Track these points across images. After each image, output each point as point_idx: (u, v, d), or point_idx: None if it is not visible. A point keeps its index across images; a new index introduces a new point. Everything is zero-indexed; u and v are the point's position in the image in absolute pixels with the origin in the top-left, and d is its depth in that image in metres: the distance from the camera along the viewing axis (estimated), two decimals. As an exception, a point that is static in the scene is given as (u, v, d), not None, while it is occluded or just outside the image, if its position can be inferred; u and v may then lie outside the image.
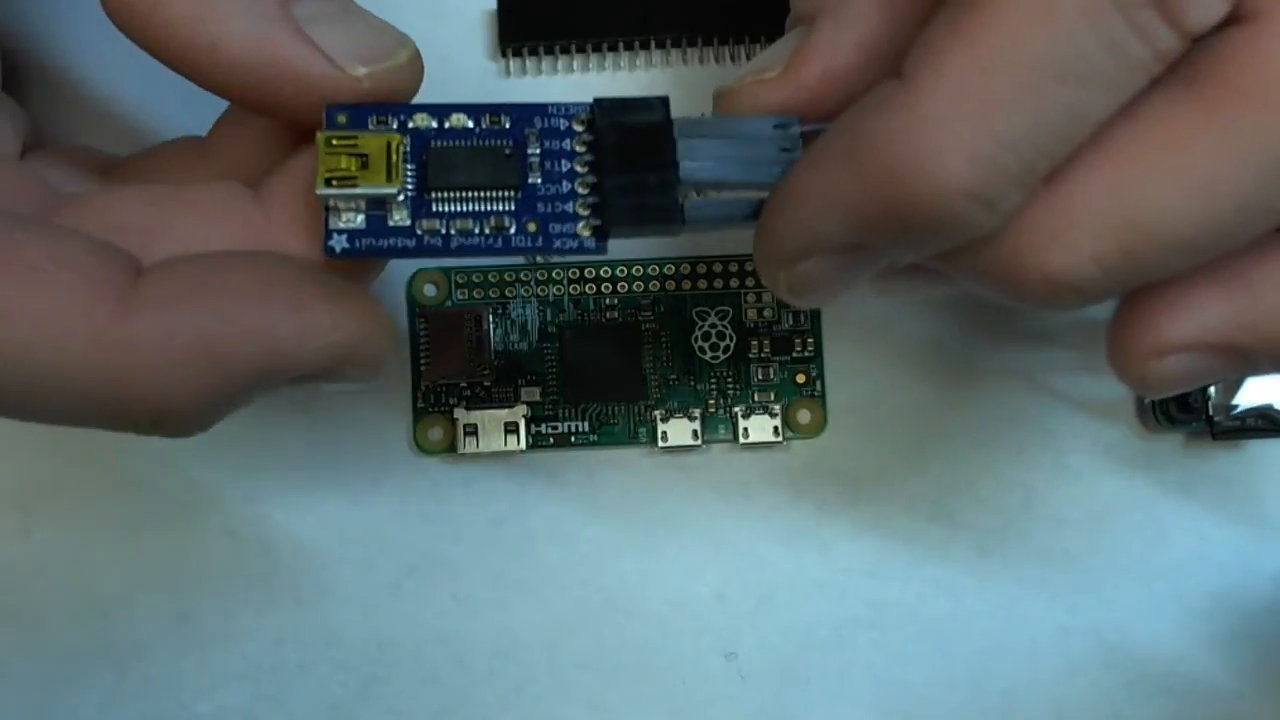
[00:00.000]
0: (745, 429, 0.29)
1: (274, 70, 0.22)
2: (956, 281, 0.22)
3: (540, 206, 0.22)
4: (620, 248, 0.28)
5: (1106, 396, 0.30)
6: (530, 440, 0.29)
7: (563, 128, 0.23)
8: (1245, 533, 0.30)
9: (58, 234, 0.20)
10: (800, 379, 0.30)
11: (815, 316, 0.30)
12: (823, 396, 0.30)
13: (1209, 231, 0.19)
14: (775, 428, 0.29)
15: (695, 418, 0.29)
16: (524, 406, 0.29)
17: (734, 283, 0.30)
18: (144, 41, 0.22)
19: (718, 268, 0.30)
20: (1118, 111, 0.19)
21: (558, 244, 0.22)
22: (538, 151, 0.23)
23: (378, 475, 0.29)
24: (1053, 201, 0.20)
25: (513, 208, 0.22)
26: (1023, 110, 0.18)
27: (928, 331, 0.30)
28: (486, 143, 0.23)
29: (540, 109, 0.23)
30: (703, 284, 0.30)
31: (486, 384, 0.29)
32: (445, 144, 0.22)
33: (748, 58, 0.30)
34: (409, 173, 0.22)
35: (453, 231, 0.22)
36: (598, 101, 0.23)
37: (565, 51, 0.30)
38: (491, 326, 0.29)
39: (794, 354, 0.30)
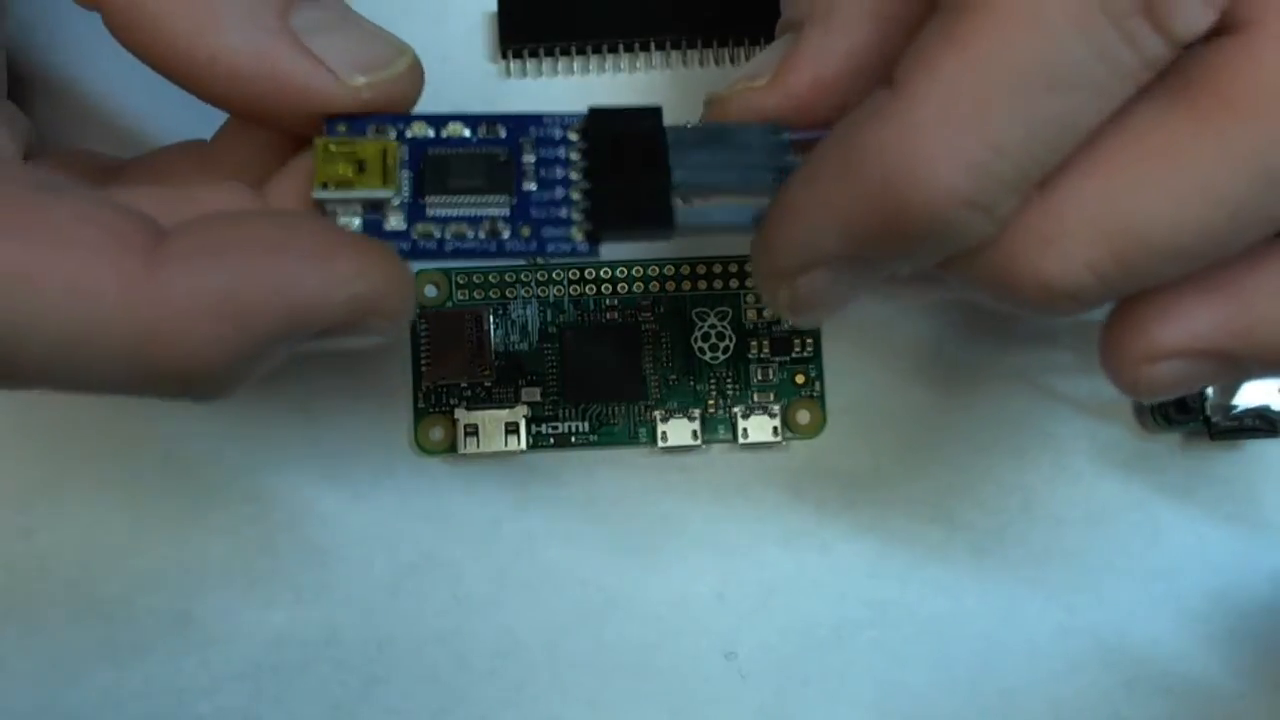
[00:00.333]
0: (745, 429, 0.29)
1: (273, 83, 0.22)
2: (953, 288, 0.22)
3: (534, 212, 0.23)
4: (620, 248, 0.28)
5: (1104, 397, 0.30)
6: (530, 440, 0.29)
7: (558, 136, 0.23)
8: (1243, 533, 0.30)
9: (81, 196, 0.20)
10: (800, 379, 0.30)
11: (815, 317, 0.30)
12: (822, 397, 0.30)
13: (1202, 239, 0.20)
14: (775, 428, 0.29)
15: (695, 418, 0.29)
16: (524, 407, 0.29)
17: (734, 283, 0.30)
18: (144, 55, 0.22)
19: (718, 268, 0.30)
20: (1108, 118, 0.19)
21: (551, 247, 0.23)
22: (533, 159, 0.23)
23: (378, 475, 0.29)
24: (1047, 208, 0.20)
25: (507, 213, 0.23)
26: (1016, 117, 0.19)
27: (927, 332, 0.30)
28: (482, 150, 0.23)
29: (536, 119, 0.23)
30: (703, 284, 0.30)
31: (487, 384, 0.29)
32: (441, 150, 0.23)
33: (746, 59, 0.30)
34: (405, 178, 0.22)
35: (447, 236, 0.22)
36: (593, 110, 0.23)
37: (565, 53, 0.30)
38: (492, 327, 0.29)
39: (793, 354, 0.30)
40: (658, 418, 0.29)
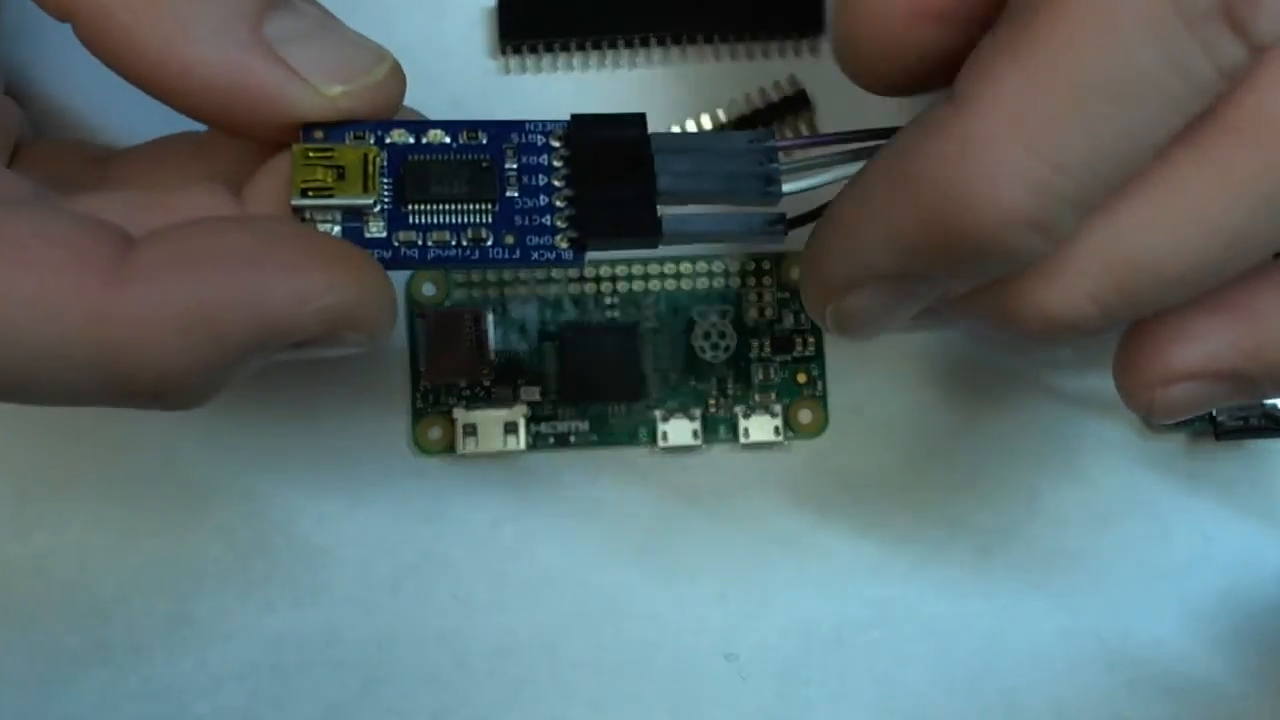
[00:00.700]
0: (746, 429, 0.29)
1: (247, 94, 0.21)
2: (953, 324, 0.22)
3: (517, 219, 0.23)
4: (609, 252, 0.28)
5: (1109, 396, 0.30)
6: (530, 440, 0.29)
7: (540, 143, 0.23)
8: (1248, 533, 0.30)
9: (44, 212, 0.20)
10: (801, 379, 0.30)
11: (816, 316, 0.30)
12: (824, 396, 0.30)
13: (1204, 267, 0.19)
14: (776, 428, 0.29)
15: (695, 418, 0.29)
16: (524, 406, 0.29)
17: (735, 281, 0.30)
18: (116, 67, 0.22)
19: (718, 267, 0.29)
20: (1180, 132, 0.19)
21: (535, 256, 0.23)
22: (515, 166, 0.23)
23: (377, 475, 0.29)
24: None
25: (490, 220, 0.22)
26: (1081, 133, 0.18)
27: (929, 332, 0.30)
28: (464, 156, 0.22)
29: (517, 126, 0.23)
30: (703, 284, 0.30)
31: (486, 384, 0.29)
32: (422, 157, 0.22)
33: (748, 56, 0.30)
34: (385, 185, 0.22)
35: (429, 243, 0.22)
36: (575, 118, 0.23)
37: (565, 49, 0.30)
38: (491, 326, 0.29)
39: (795, 354, 0.30)
40: (658, 418, 0.29)
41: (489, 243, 0.22)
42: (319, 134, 0.22)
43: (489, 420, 0.29)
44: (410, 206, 0.22)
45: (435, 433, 0.29)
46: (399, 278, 0.29)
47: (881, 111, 0.24)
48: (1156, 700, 0.29)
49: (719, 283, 0.30)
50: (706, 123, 0.29)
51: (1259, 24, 0.18)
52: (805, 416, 0.30)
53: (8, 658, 0.29)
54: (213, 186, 0.22)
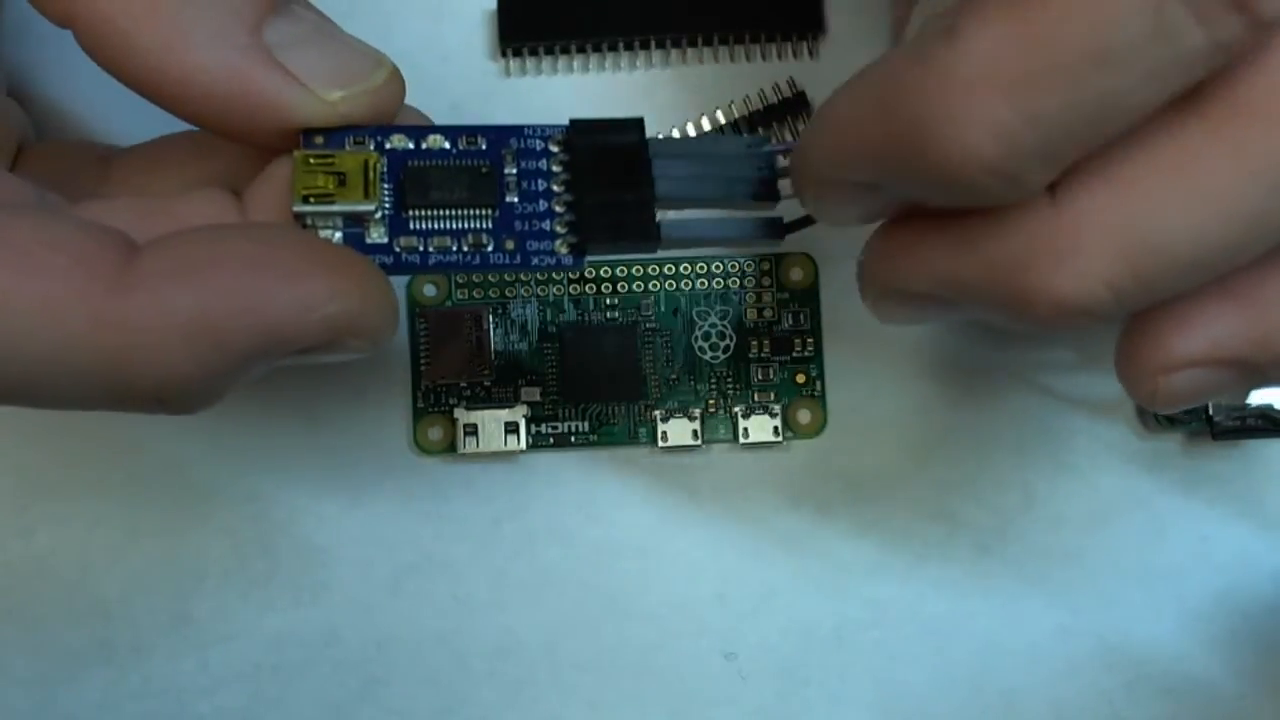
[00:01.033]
0: (745, 429, 0.29)
1: (246, 100, 0.22)
2: (963, 310, 0.22)
3: (518, 224, 0.23)
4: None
5: (1106, 396, 0.30)
6: (530, 440, 0.29)
7: (539, 148, 0.23)
8: (1245, 533, 0.30)
9: (48, 218, 0.20)
10: (800, 379, 0.30)
11: (815, 316, 0.30)
12: (823, 396, 0.30)
13: (1219, 250, 0.19)
14: (775, 428, 0.29)
15: (695, 418, 0.29)
16: (524, 406, 0.29)
17: (734, 283, 0.30)
18: (116, 73, 0.22)
19: (718, 268, 0.30)
20: (1166, 104, 0.19)
21: (535, 261, 0.23)
22: (514, 171, 0.23)
23: (378, 475, 0.29)
24: (1061, 224, 0.20)
25: (490, 225, 0.23)
26: (1058, 91, 0.18)
27: (928, 331, 0.30)
28: (463, 162, 0.23)
29: (516, 130, 0.23)
30: (703, 284, 0.30)
31: (486, 384, 0.29)
32: (422, 163, 0.22)
33: (747, 58, 0.30)
34: (386, 191, 0.22)
35: (430, 249, 0.22)
36: (573, 123, 0.23)
37: (565, 51, 0.30)
38: (491, 326, 0.29)
39: (794, 354, 0.30)
40: (658, 418, 0.29)
41: (489, 248, 0.23)
42: (319, 139, 0.22)
43: (489, 420, 0.29)
44: (411, 212, 0.22)
45: (436, 433, 0.29)
46: (399, 278, 0.29)
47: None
48: (1154, 700, 0.30)
49: (719, 283, 0.30)
50: (706, 125, 0.29)
51: (1264, 2, 0.17)
52: (804, 417, 0.30)
53: (10, 657, 0.29)
54: (215, 193, 0.23)
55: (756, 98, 0.29)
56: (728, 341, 0.30)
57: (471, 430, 0.29)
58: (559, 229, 0.23)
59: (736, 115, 0.29)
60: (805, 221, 0.24)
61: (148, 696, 0.29)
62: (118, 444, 0.29)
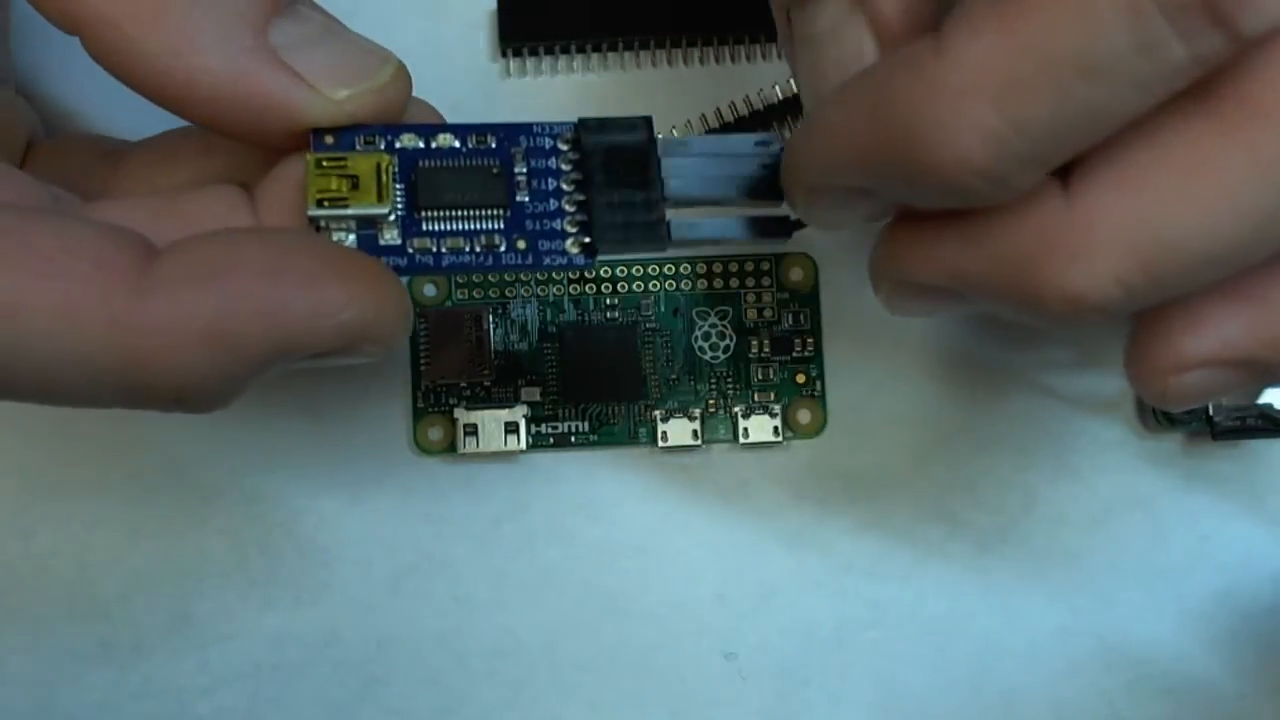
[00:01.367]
0: (745, 429, 0.29)
1: (253, 101, 0.22)
2: (974, 303, 0.22)
3: (529, 224, 0.23)
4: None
5: (1106, 396, 0.30)
6: (530, 440, 0.29)
7: (548, 146, 0.23)
8: (1245, 533, 0.30)
9: (69, 223, 0.20)
10: (800, 379, 0.30)
11: (815, 316, 0.30)
12: (823, 396, 0.30)
13: (1231, 249, 0.19)
14: (775, 428, 0.29)
15: (695, 418, 0.29)
16: (524, 406, 0.29)
17: (734, 283, 0.30)
18: (123, 78, 0.22)
19: (718, 267, 0.30)
20: (1144, 116, 0.19)
21: (547, 260, 0.23)
22: (524, 170, 0.23)
23: (378, 475, 0.29)
24: (1074, 221, 0.20)
25: (502, 226, 0.23)
26: (1044, 100, 0.18)
27: (928, 332, 0.30)
28: (474, 162, 0.23)
29: (525, 128, 0.23)
30: (703, 284, 0.30)
31: (486, 384, 0.29)
32: (433, 164, 0.22)
33: (747, 58, 0.30)
34: (398, 192, 0.22)
35: (443, 250, 0.22)
36: (582, 121, 0.23)
37: (565, 51, 0.30)
38: (491, 326, 0.29)
39: (794, 354, 0.30)
40: (658, 418, 0.29)
41: (501, 248, 0.23)
42: (329, 139, 0.22)
43: (489, 420, 0.29)
44: (424, 214, 0.22)
45: (436, 433, 0.29)
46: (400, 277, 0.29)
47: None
48: (1154, 700, 0.30)
49: (719, 283, 0.30)
50: (706, 125, 0.29)
51: (1245, 20, 0.18)
52: (804, 416, 0.30)
53: (11, 657, 0.29)
54: (226, 190, 0.23)
55: (756, 98, 0.29)
56: (728, 341, 0.30)
57: (471, 430, 0.29)
58: (569, 228, 0.23)
59: (736, 115, 0.29)
60: None
61: (148, 696, 0.29)
62: (118, 444, 0.29)
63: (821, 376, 0.30)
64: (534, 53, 0.30)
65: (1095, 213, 0.20)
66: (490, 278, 0.29)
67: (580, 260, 0.23)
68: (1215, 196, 0.19)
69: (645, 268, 0.30)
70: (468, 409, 0.29)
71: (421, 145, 0.23)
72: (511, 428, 0.29)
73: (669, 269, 0.30)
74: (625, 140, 0.23)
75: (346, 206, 0.22)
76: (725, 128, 0.29)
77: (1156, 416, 0.29)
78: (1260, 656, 0.30)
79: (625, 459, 0.30)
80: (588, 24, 0.29)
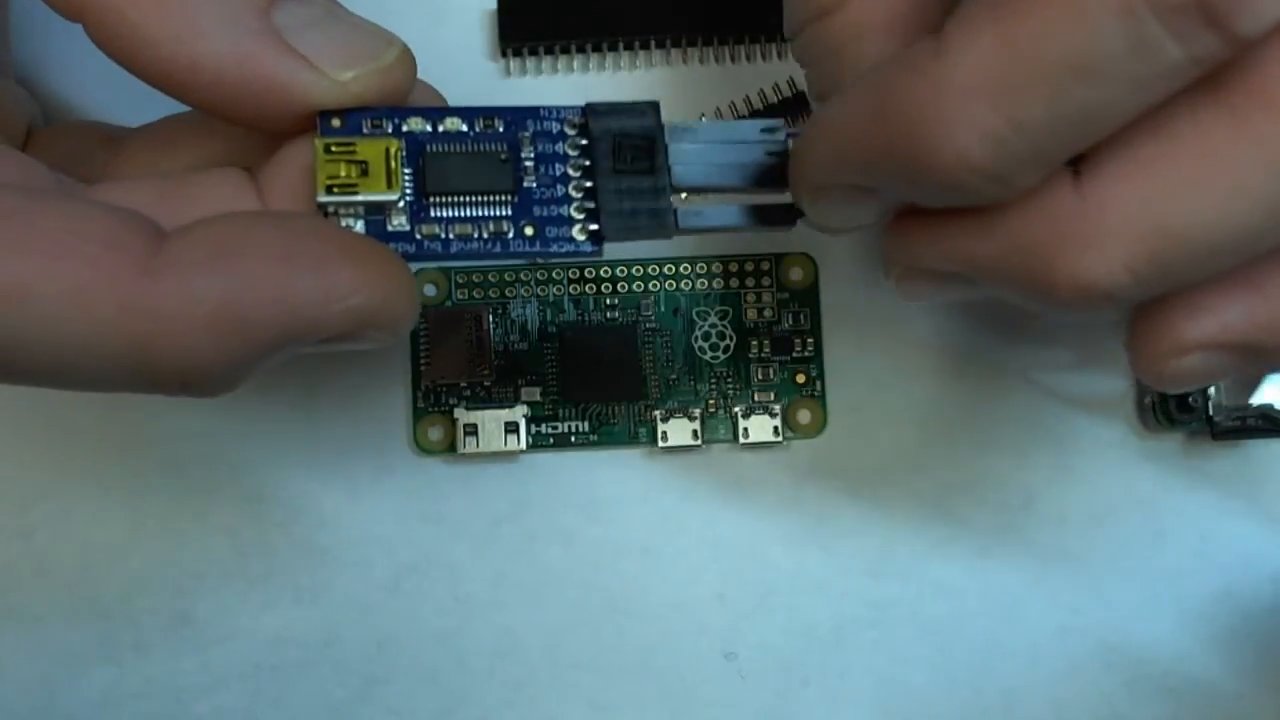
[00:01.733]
0: (745, 429, 0.29)
1: (259, 84, 0.22)
2: (982, 287, 0.22)
3: (536, 210, 0.23)
4: (619, 248, 0.28)
5: (1106, 395, 0.30)
6: (530, 440, 0.29)
7: (555, 130, 0.23)
8: (1245, 533, 0.30)
9: (77, 205, 0.20)
10: (800, 379, 0.30)
11: (815, 316, 0.30)
12: (823, 396, 0.30)
13: (1239, 238, 0.20)
14: (775, 428, 0.29)
15: (695, 418, 0.29)
16: (524, 406, 0.29)
17: (734, 283, 0.30)
18: (127, 64, 0.22)
19: (717, 268, 0.30)
20: (1150, 111, 0.19)
21: (554, 247, 0.23)
22: (532, 154, 0.23)
23: (378, 475, 0.29)
24: (1084, 209, 0.20)
25: (510, 212, 0.23)
26: (1043, 100, 0.19)
27: (928, 331, 0.30)
28: (482, 146, 0.23)
29: (533, 112, 0.23)
30: (703, 284, 0.30)
31: (486, 384, 0.29)
32: (442, 149, 0.22)
33: (747, 58, 0.30)
34: (406, 177, 0.22)
35: (452, 236, 0.22)
36: (589, 106, 0.23)
37: (565, 52, 0.30)
38: (491, 326, 0.29)
39: (794, 354, 0.30)
40: (658, 418, 0.29)
41: (509, 234, 0.23)
42: (336, 122, 0.22)
43: (489, 420, 0.29)
44: (431, 199, 0.22)
45: (436, 433, 0.29)
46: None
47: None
48: (1154, 700, 0.30)
49: (719, 283, 0.30)
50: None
51: (1241, 21, 0.18)
52: (804, 416, 0.30)
53: (11, 657, 0.29)
54: (231, 172, 0.23)
55: (756, 98, 0.29)
56: (728, 341, 0.30)
57: (471, 430, 0.29)
58: (576, 215, 0.23)
59: (736, 115, 0.29)
60: None
61: (148, 696, 0.29)
62: (118, 444, 0.29)
63: (821, 376, 0.30)
64: (534, 53, 0.30)
65: (1106, 202, 0.20)
66: (490, 277, 0.29)
67: (587, 247, 0.23)
68: (1224, 187, 0.19)
69: (645, 267, 0.30)
70: (468, 409, 0.29)
71: (429, 128, 0.23)
72: (511, 428, 0.29)
73: (669, 269, 0.30)
74: (633, 126, 0.23)
75: (355, 193, 0.22)
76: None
77: (1156, 416, 0.29)
78: (1260, 656, 0.30)
79: (625, 459, 0.30)
80: (588, 24, 0.29)
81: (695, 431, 0.29)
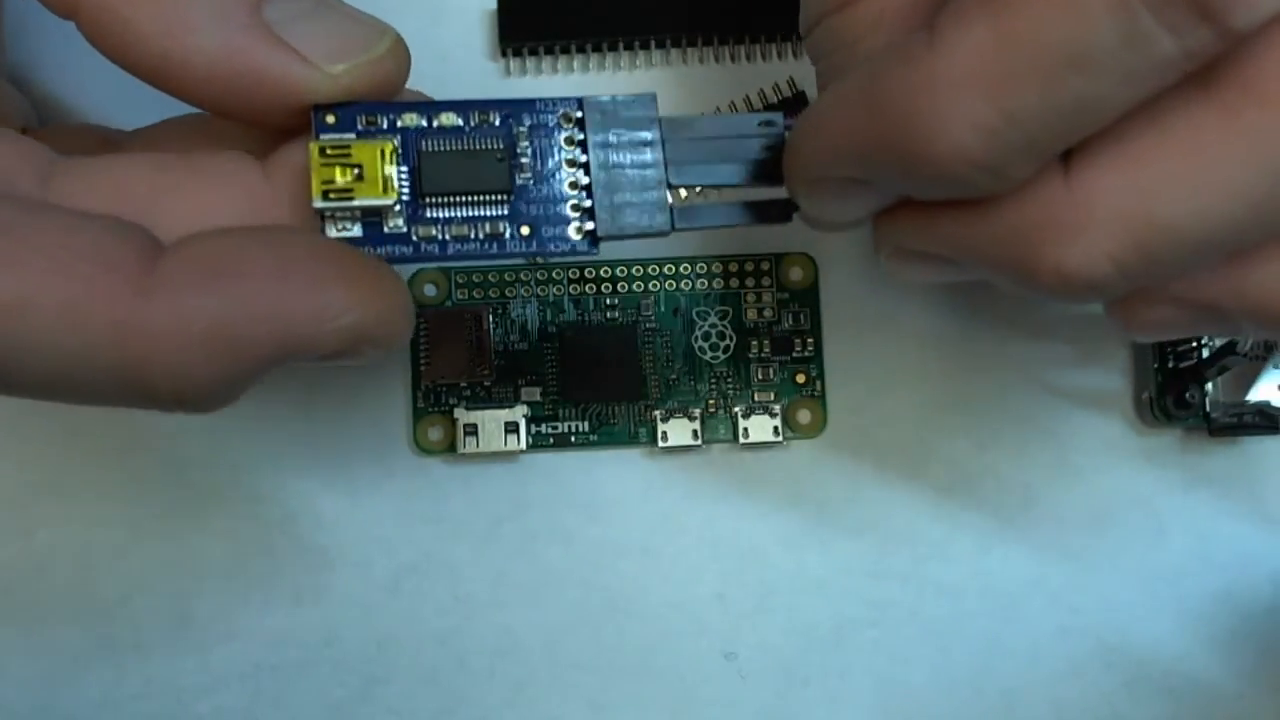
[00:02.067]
0: (745, 429, 0.29)
1: (250, 79, 0.22)
2: (968, 270, 0.22)
3: (532, 209, 0.23)
4: (620, 248, 0.28)
5: (1104, 392, 0.30)
6: (530, 440, 0.29)
7: (551, 123, 0.23)
8: (1244, 532, 0.30)
9: (73, 220, 0.20)
10: (800, 379, 0.30)
11: (815, 316, 0.30)
12: (823, 396, 0.30)
13: (1225, 232, 0.20)
14: (775, 428, 0.29)
15: (695, 418, 0.29)
16: (524, 406, 0.29)
17: (734, 283, 0.30)
18: (120, 61, 0.22)
19: (717, 268, 0.30)
20: (1143, 103, 0.19)
21: (551, 246, 0.23)
22: (528, 150, 0.23)
23: (378, 475, 0.29)
24: (1072, 199, 0.20)
25: (506, 211, 0.23)
26: (1036, 92, 0.19)
27: (927, 331, 0.30)
28: (477, 144, 0.23)
29: (528, 104, 0.23)
30: (703, 284, 0.30)
31: (486, 384, 0.29)
32: (437, 148, 0.22)
33: (747, 58, 0.30)
34: (402, 174, 0.22)
35: (448, 237, 0.22)
36: (585, 101, 0.23)
37: (565, 51, 0.30)
38: (491, 326, 0.29)
39: (794, 354, 0.30)
40: (658, 417, 0.29)
41: (506, 234, 0.23)
42: (330, 118, 0.22)
43: (489, 420, 0.29)
44: (428, 200, 0.22)
45: (436, 433, 0.29)
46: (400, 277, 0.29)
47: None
48: (1154, 699, 0.30)
49: (719, 283, 0.30)
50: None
51: (1234, 15, 0.18)
52: (804, 416, 0.30)
53: (11, 657, 0.29)
54: (239, 154, 0.22)
55: (756, 98, 0.29)
56: (728, 341, 0.30)
57: (471, 430, 0.29)
58: (571, 213, 0.23)
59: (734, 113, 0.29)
60: None
61: (148, 696, 0.29)
62: (118, 444, 0.29)
63: (821, 376, 0.30)
64: (534, 53, 0.30)
65: (1093, 193, 0.20)
66: (490, 277, 0.29)
67: (583, 246, 0.23)
68: (1212, 180, 0.19)
69: (645, 268, 0.30)
70: (468, 409, 0.29)
71: (424, 123, 0.23)
72: (511, 428, 0.29)
73: (669, 269, 0.30)
74: (629, 121, 0.23)
75: (351, 198, 0.22)
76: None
77: (1154, 412, 0.29)
78: (1260, 656, 0.30)
79: (625, 459, 0.30)
80: (588, 24, 0.29)
81: (695, 431, 0.29)
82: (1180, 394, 0.29)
